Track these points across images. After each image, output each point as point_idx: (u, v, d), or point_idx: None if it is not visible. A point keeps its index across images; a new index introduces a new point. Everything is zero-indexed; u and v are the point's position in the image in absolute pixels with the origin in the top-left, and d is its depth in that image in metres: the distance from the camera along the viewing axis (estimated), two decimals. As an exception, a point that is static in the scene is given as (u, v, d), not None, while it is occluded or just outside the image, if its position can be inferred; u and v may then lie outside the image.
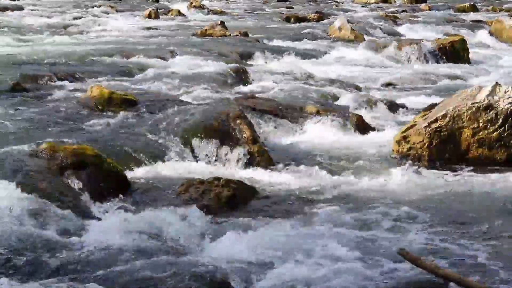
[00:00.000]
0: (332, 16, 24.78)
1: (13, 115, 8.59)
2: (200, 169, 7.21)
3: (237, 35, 17.56)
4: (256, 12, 28.66)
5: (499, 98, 7.69)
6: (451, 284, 4.64)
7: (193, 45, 15.06)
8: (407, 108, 10.24)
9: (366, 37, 17.97)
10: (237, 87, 11.45)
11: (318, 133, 8.58)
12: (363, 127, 8.82)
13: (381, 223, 5.83)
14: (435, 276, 4.71)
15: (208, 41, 16.38)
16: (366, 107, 9.97)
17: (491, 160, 7.63)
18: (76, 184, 6.18)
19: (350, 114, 9.05)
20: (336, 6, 33.94)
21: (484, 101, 7.68)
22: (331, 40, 17.54)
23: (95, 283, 4.61)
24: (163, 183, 6.70)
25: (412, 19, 24.57)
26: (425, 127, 7.77)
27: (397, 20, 23.17)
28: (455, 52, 15.27)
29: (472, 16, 26.59)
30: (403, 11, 29.19)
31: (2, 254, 4.91)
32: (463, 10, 29.12)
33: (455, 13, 28.74)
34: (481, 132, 7.68)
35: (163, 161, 7.27)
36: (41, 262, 4.86)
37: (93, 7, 27.89)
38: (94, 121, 8.36)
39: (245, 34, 17.70)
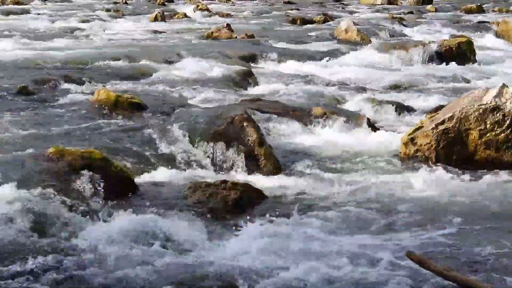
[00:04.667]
0: (338, 18, 24.76)
1: (20, 119, 8.60)
2: (206, 172, 7.22)
3: (243, 38, 17.57)
4: (262, 15, 28.66)
5: (506, 99, 7.67)
6: (460, 287, 4.63)
7: (200, 48, 15.06)
8: (414, 109, 10.23)
9: (372, 39, 17.95)
10: (244, 89, 11.46)
11: (325, 135, 8.59)
12: (370, 129, 8.81)
13: (389, 226, 5.83)
14: (443, 278, 4.70)
15: (214, 44, 16.38)
16: (373, 109, 9.96)
17: (498, 161, 7.62)
18: (83, 187, 6.18)
19: (357, 116, 9.05)
20: (342, 8, 33.93)
21: (491, 102, 7.67)
22: (338, 42, 17.51)
23: (102, 285, 4.63)
24: (170, 186, 6.70)
25: (418, 20, 24.55)
26: (432, 129, 7.76)
27: (403, 21, 23.14)
28: (461, 53, 15.22)
29: (478, 17, 26.53)
30: (409, 12, 29.17)
31: (9, 255, 4.93)
32: (470, 11, 29.08)
33: (462, 14, 28.71)
34: (488, 134, 7.67)
35: (170, 164, 7.27)
36: (47, 264, 4.88)
37: (100, 11, 27.95)
38: (101, 124, 8.36)
39: (252, 37, 17.71)
